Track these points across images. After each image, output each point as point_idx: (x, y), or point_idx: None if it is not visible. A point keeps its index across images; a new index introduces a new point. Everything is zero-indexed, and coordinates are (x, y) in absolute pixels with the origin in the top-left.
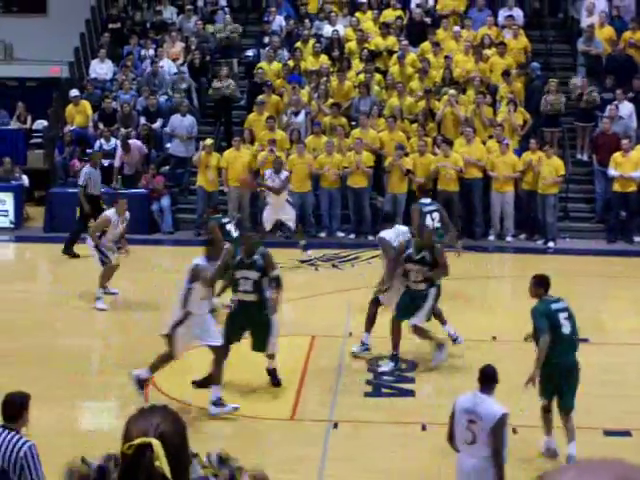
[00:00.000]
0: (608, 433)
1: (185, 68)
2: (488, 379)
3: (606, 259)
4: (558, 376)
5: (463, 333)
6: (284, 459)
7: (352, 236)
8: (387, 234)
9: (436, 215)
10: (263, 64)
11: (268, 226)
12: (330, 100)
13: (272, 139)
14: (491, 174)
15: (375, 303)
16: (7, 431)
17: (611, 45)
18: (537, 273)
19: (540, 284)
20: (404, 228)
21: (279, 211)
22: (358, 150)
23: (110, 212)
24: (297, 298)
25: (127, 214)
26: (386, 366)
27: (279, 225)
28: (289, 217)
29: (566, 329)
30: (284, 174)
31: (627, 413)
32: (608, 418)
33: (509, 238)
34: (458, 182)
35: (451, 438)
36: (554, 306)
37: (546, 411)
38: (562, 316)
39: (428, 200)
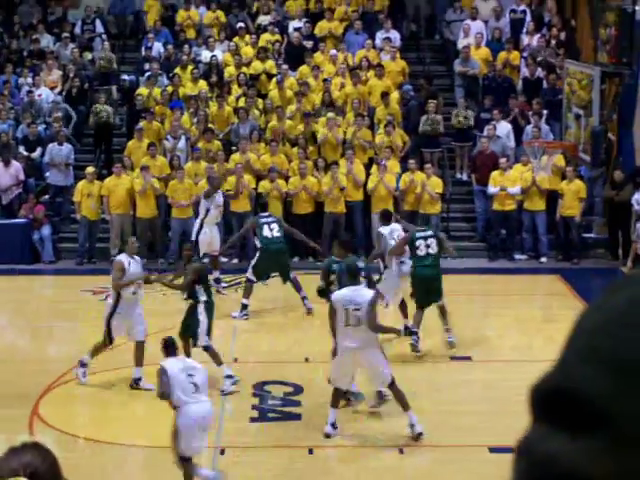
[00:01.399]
0: (493, 450)
1: (62, 96)
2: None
3: (488, 277)
4: None
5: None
6: None
7: (235, 261)
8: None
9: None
10: (142, 90)
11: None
12: (211, 126)
13: (145, 165)
14: (372, 195)
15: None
16: None
17: (487, 66)
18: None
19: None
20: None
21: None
22: (240, 175)
23: (121, 256)
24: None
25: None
26: None
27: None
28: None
29: None
30: (220, 199)
31: (511, 429)
32: (492, 435)
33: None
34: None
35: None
36: None
37: None
38: None
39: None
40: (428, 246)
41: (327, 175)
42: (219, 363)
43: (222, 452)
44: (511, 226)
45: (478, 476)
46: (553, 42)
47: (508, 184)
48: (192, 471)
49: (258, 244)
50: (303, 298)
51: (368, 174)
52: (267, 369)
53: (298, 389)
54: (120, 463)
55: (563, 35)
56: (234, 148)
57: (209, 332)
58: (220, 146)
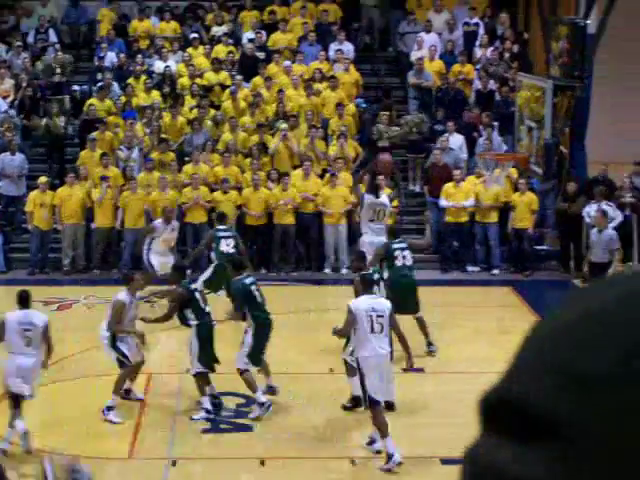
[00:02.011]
0: (445, 462)
1: (13, 105)
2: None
3: (441, 289)
4: None
5: (301, 367)
6: None
7: (188, 272)
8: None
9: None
10: (94, 100)
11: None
12: (164, 136)
13: (104, 175)
14: (323, 210)
15: None
16: None
17: (441, 78)
18: None
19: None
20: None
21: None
22: (196, 185)
23: (122, 294)
24: None
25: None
26: None
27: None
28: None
29: None
30: (175, 224)
31: (465, 441)
32: (445, 447)
33: (344, 270)
34: (295, 215)
35: None
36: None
37: None
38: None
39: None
40: (404, 257)
41: (278, 187)
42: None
43: (174, 464)
44: (464, 238)
45: None
46: (506, 55)
47: (461, 196)
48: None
49: (213, 258)
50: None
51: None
52: (219, 380)
53: (250, 401)
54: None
55: (516, 48)
56: (187, 159)
57: (207, 357)
58: (174, 157)
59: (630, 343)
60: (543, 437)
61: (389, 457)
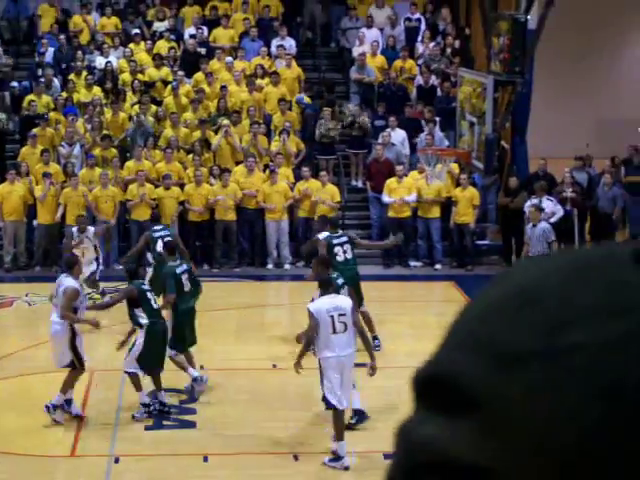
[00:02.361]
0: (387, 456)
1: None
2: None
3: (383, 284)
4: None
5: (244, 362)
6: None
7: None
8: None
9: (347, 247)
10: (34, 96)
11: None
12: (105, 132)
13: (47, 172)
14: (264, 205)
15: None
16: None
17: (383, 74)
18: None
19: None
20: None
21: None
22: (141, 182)
23: (69, 280)
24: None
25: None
26: None
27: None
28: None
29: None
30: (90, 231)
31: None
32: (388, 441)
33: (287, 266)
34: (236, 212)
35: None
36: None
37: None
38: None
39: (338, 232)
40: (345, 251)
41: (219, 183)
42: (139, 389)
43: (116, 460)
44: (406, 233)
45: None
46: (448, 50)
47: (403, 191)
48: None
49: (150, 259)
50: None
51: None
52: (163, 377)
53: (193, 397)
54: (12, 472)
55: (457, 43)
56: (128, 155)
57: (155, 356)
58: (116, 153)
59: (554, 320)
60: (468, 410)
61: (338, 458)
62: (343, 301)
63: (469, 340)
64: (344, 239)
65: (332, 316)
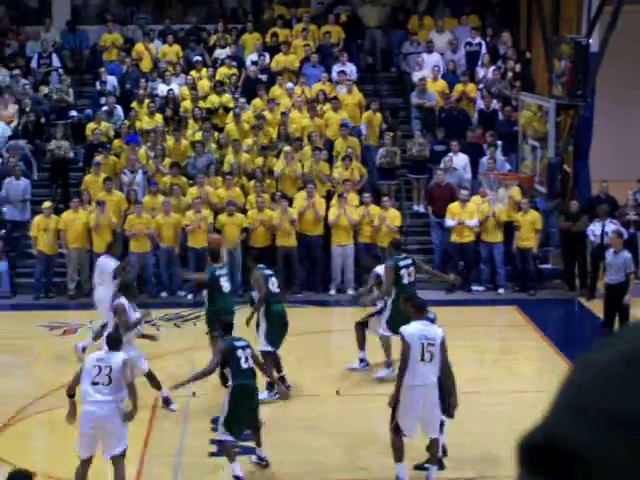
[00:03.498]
0: None
1: (17, 131)
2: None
3: (445, 309)
4: None
5: (306, 388)
6: None
7: (190, 296)
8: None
9: (412, 270)
10: (96, 124)
11: None
12: (168, 159)
13: (100, 200)
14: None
15: (361, 325)
16: None
17: (443, 98)
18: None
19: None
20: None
21: None
22: (197, 209)
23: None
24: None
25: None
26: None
27: None
28: None
29: None
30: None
31: (467, 461)
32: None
33: (350, 291)
34: (297, 237)
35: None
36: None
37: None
38: None
39: (402, 255)
40: (410, 274)
41: (278, 208)
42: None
43: None
44: (468, 258)
45: None
46: (509, 74)
47: (466, 216)
48: None
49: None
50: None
51: (328, 207)
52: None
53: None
54: None
55: (518, 67)
56: (190, 182)
57: (237, 423)
58: (185, 182)
59: None
60: (577, 475)
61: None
62: (434, 331)
63: (578, 406)
64: (409, 262)
65: (422, 344)
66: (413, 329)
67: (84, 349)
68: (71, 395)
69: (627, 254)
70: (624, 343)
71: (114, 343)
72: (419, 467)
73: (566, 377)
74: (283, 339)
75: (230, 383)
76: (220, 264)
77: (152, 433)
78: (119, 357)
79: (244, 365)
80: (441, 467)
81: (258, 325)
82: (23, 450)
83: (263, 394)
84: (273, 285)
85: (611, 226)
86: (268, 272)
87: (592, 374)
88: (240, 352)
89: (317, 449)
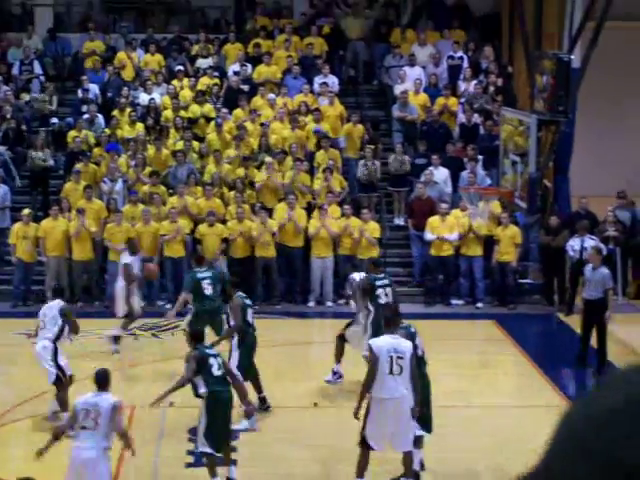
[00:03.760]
0: None
1: None
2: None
3: (424, 322)
4: None
5: (285, 400)
6: None
7: (169, 306)
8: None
9: (389, 290)
10: (77, 132)
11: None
12: (148, 169)
13: (80, 208)
14: (311, 241)
15: (342, 339)
16: None
17: (425, 111)
18: None
19: None
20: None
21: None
22: (173, 219)
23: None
24: (116, 369)
25: None
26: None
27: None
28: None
29: None
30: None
31: (442, 475)
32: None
33: (329, 303)
34: (276, 248)
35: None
36: None
37: None
38: None
39: (381, 275)
40: (387, 295)
41: (258, 219)
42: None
43: None
44: (448, 271)
45: None
46: (491, 89)
47: (445, 230)
48: None
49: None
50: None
51: (309, 218)
52: None
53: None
54: None
55: (500, 82)
56: (171, 191)
57: (217, 434)
58: (165, 191)
59: None
60: None
61: None
62: (404, 344)
63: (581, 449)
64: (386, 282)
65: (391, 357)
66: (382, 342)
67: (117, 339)
68: (56, 438)
69: (605, 270)
70: (626, 386)
71: (103, 380)
72: None
73: (564, 418)
74: (252, 369)
75: (204, 391)
76: (204, 268)
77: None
78: (108, 401)
79: (217, 372)
80: None
81: (230, 352)
82: (1, 458)
83: (243, 423)
84: (250, 316)
85: (590, 242)
86: (247, 302)
87: (591, 416)
88: (212, 360)
89: (295, 462)
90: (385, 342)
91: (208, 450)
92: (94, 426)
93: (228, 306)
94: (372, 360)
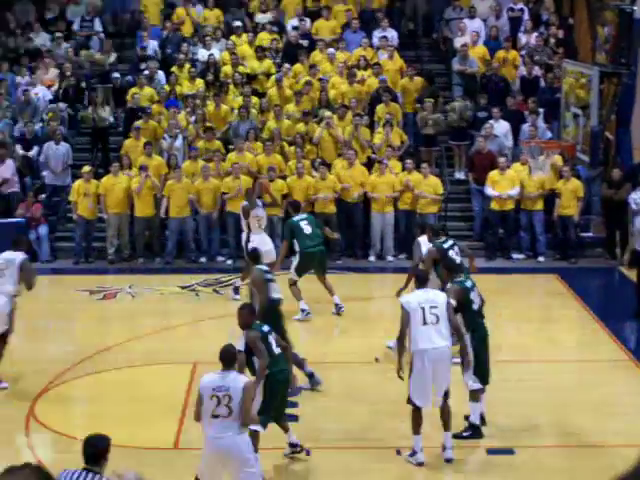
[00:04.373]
0: (491, 452)
1: (59, 95)
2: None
3: (485, 276)
4: None
5: (347, 355)
6: None
7: (230, 262)
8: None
9: (457, 249)
10: (137, 89)
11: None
12: (207, 124)
13: (143, 165)
14: (371, 195)
15: None
16: (91, 474)
17: (485, 64)
18: None
19: None
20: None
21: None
22: (236, 174)
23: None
24: (178, 325)
25: None
26: None
27: None
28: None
29: None
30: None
31: (506, 430)
32: (491, 437)
33: (390, 258)
34: (336, 204)
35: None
36: None
37: None
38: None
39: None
40: (457, 253)
41: (318, 175)
42: None
43: None
44: (509, 225)
45: None
46: (551, 41)
47: (506, 184)
48: None
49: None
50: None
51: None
52: None
53: (296, 389)
54: (116, 464)
55: (561, 34)
56: (231, 147)
57: (268, 414)
58: (220, 146)
59: None
60: None
61: (413, 452)
62: (435, 295)
63: None
64: (451, 242)
65: (423, 308)
66: (411, 297)
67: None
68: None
69: None
70: None
71: (230, 359)
72: (457, 436)
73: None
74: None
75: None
76: (300, 214)
77: (189, 400)
78: (239, 381)
79: (276, 350)
80: (479, 436)
81: None
82: (63, 415)
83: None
84: (274, 291)
85: None
86: (269, 276)
87: None
88: (270, 337)
89: (356, 416)
90: (415, 296)
91: (257, 428)
92: (227, 413)
93: (249, 281)
94: (402, 316)
